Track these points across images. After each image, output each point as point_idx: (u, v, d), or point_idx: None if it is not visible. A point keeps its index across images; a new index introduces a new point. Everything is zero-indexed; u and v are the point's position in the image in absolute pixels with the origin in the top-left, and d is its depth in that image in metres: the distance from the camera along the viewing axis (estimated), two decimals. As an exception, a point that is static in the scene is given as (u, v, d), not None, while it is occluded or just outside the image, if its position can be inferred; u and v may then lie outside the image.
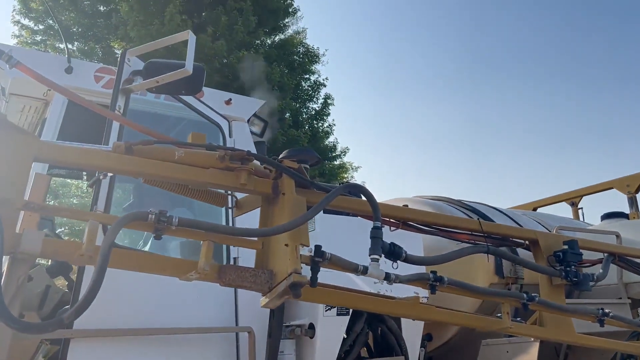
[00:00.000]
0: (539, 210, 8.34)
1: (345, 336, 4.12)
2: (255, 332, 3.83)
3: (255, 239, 2.69)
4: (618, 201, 7.79)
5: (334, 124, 21.11)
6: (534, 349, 4.32)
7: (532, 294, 3.46)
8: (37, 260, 3.33)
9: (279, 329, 3.88)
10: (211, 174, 2.65)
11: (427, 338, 5.50)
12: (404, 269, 3.07)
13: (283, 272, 2.58)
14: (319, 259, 2.71)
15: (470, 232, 3.70)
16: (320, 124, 20.90)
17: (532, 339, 4.35)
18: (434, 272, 3.10)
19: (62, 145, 2.40)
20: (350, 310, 4.11)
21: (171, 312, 3.37)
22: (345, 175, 22.24)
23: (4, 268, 2.08)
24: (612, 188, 7.75)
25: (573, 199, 8.32)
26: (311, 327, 3.99)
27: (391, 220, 3.45)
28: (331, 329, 4.01)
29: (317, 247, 2.73)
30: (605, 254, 4.41)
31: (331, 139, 21.39)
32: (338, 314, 4.05)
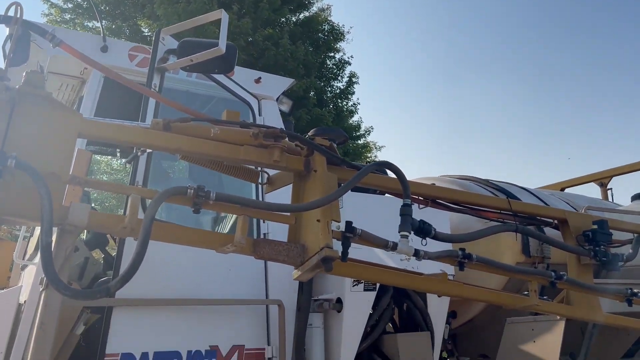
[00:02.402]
0: (566, 190, 8.24)
1: (371, 311, 4.21)
2: (285, 305, 3.93)
3: (289, 214, 2.75)
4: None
5: (359, 103, 20.99)
6: (560, 328, 4.34)
7: (561, 272, 3.47)
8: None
9: (308, 303, 3.98)
10: (245, 150, 2.71)
11: (451, 315, 5.55)
12: (430, 247, 3.12)
13: (315, 247, 2.66)
14: (350, 234, 2.77)
15: (499, 211, 3.72)
16: (344, 103, 20.80)
17: (558, 318, 4.36)
18: (462, 249, 3.13)
19: (103, 122, 2.48)
20: (377, 286, 4.18)
21: (205, 285, 3.49)
22: (369, 155, 22.19)
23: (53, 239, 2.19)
24: (643, 169, 7.60)
25: (602, 180, 8.19)
26: (339, 301, 4.08)
27: (420, 198, 3.49)
28: (358, 304, 4.09)
29: (348, 223, 2.80)
30: (636, 235, 4.38)
31: (355, 117, 21.30)
32: (365, 290, 4.13)
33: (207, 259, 3.58)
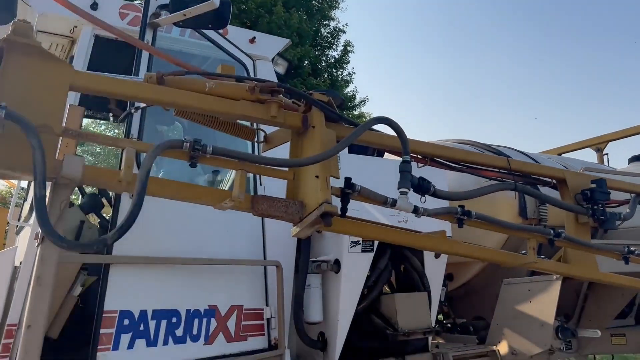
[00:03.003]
0: (563, 156, 8.24)
1: (369, 273, 4.21)
2: (283, 266, 3.93)
3: (287, 169, 2.71)
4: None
5: (354, 73, 20.79)
6: (556, 288, 4.37)
7: (559, 230, 3.47)
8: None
9: (306, 264, 3.98)
10: (242, 106, 2.66)
11: (448, 278, 5.61)
12: (429, 205, 3.10)
13: (314, 203, 2.63)
14: (349, 190, 2.74)
15: (497, 170, 3.69)
16: (339, 73, 20.60)
17: (554, 278, 4.40)
18: (462, 207, 3.11)
19: (95, 74, 2.41)
20: (375, 248, 4.18)
21: (203, 245, 3.47)
22: (364, 125, 22.03)
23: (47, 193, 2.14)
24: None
25: (598, 145, 8.18)
26: (336, 262, 4.08)
27: (419, 156, 3.45)
28: (356, 265, 4.09)
29: (347, 179, 2.76)
30: (633, 195, 4.38)
31: (350, 87, 21.15)
32: (363, 251, 4.13)
33: (206, 220, 3.55)
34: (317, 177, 2.64)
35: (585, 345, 5.61)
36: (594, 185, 3.80)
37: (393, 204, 2.85)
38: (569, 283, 5.38)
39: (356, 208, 3.99)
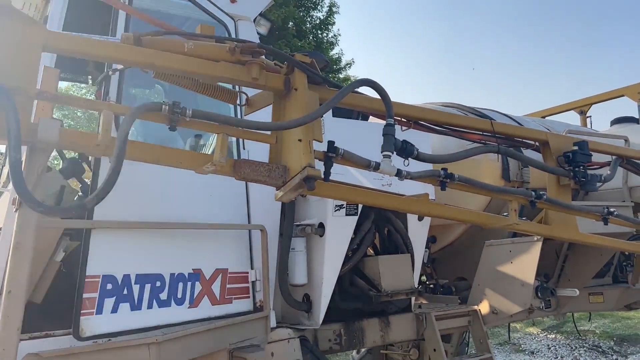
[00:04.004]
0: (547, 119, 8.28)
1: (353, 236, 4.25)
2: (267, 230, 3.94)
3: (269, 132, 2.68)
4: (628, 111, 7.71)
5: (339, 35, 20.48)
6: (536, 248, 4.46)
7: (540, 192, 3.51)
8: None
9: (291, 228, 3.99)
10: (222, 67, 2.60)
11: (431, 240, 5.68)
12: (413, 169, 3.10)
13: (297, 167, 2.61)
14: (332, 154, 2.73)
15: (481, 132, 3.69)
16: (324, 34, 20.28)
17: (535, 239, 4.48)
18: (444, 169, 3.12)
19: (70, 34, 2.32)
20: (359, 211, 4.20)
21: (187, 210, 3.44)
22: (350, 88, 21.85)
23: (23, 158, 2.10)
24: (623, 96, 7.63)
25: (582, 108, 8.22)
26: (321, 226, 4.10)
27: (403, 119, 3.43)
28: (340, 228, 4.11)
29: (330, 143, 2.74)
30: (614, 157, 4.43)
31: (336, 50, 20.85)
32: (347, 214, 4.15)
33: (191, 184, 3.52)
34: (299, 140, 2.62)
35: (563, 304, 5.78)
36: (576, 148, 3.84)
37: (376, 167, 2.84)
38: (549, 244, 5.48)
39: (341, 172, 4.01)
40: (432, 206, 3.24)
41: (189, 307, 3.27)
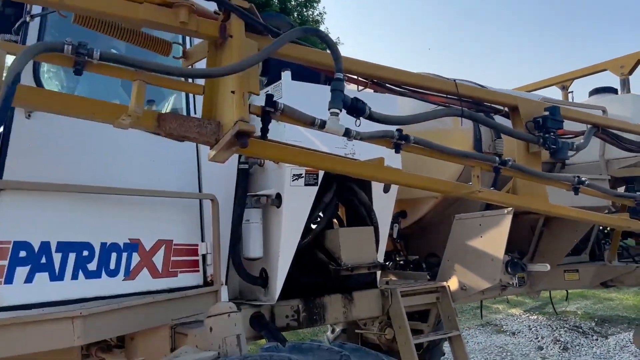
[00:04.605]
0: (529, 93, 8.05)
1: (314, 207, 4.01)
2: (221, 201, 3.69)
3: (191, 80, 2.41)
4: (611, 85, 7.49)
5: (325, 12, 20.09)
6: (506, 222, 4.24)
7: (506, 158, 3.29)
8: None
9: (243, 197, 3.74)
10: (145, 9, 2.31)
11: (401, 215, 5.46)
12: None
13: (230, 122, 2.35)
14: (270, 109, 2.47)
15: (445, 95, 3.45)
16: (309, 12, 19.87)
17: (505, 212, 4.26)
18: (399, 130, 2.88)
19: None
20: (319, 181, 3.96)
21: (125, 175, 3.17)
22: (336, 68, 21.53)
23: None
24: (605, 70, 7.40)
25: (564, 83, 7.99)
26: (278, 197, 3.86)
27: (359, 78, 3.18)
28: (298, 199, 3.87)
29: (269, 96, 2.49)
30: (589, 126, 4.22)
31: (321, 28, 20.45)
32: (306, 184, 3.90)
33: (135, 148, 3.26)
34: (232, 92, 2.35)
35: (537, 281, 5.61)
36: (546, 113, 3.61)
37: (322, 125, 2.60)
38: (524, 219, 5.30)
39: (300, 140, 3.75)
40: (387, 172, 3.00)
41: (124, 280, 3.02)
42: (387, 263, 5.95)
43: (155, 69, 2.15)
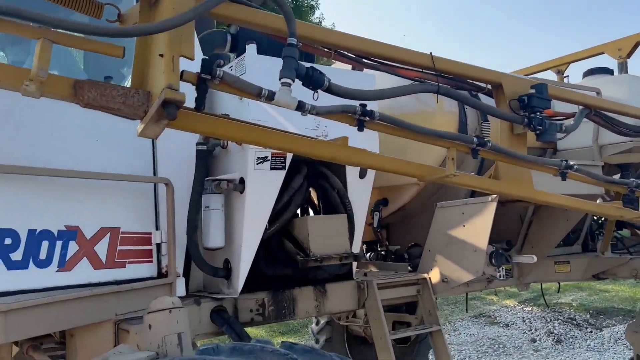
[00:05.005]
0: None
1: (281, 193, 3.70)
2: (181, 186, 3.38)
3: (106, 39, 2.08)
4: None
5: (319, -4, 19.72)
6: (490, 209, 3.94)
7: (485, 139, 2.97)
8: None
9: (200, 181, 3.43)
10: (61, -40, 1.99)
11: (382, 203, 5.16)
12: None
13: (158, 91, 2.04)
14: (207, 76, 2.15)
15: (420, 69, 3.12)
16: (304, -3, 19.49)
17: (490, 199, 3.95)
18: (363, 105, 2.56)
19: None
20: (286, 165, 3.65)
21: (62, 155, 2.86)
22: (331, 55, 21.20)
23: None
24: (603, 53, 7.04)
25: (559, 67, 7.64)
26: (242, 181, 3.55)
27: (322, 48, 2.85)
28: (263, 184, 3.57)
29: (205, 61, 2.17)
30: (580, 107, 3.90)
31: (317, 14, 20.09)
32: (272, 168, 3.59)
33: (78, 127, 2.95)
34: (161, 55, 2.04)
35: (526, 274, 5.33)
36: (532, 91, 3.29)
37: (270, 97, 2.28)
38: (512, 207, 5.00)
39: (265, 119, 3.43)
40: (352, 152, 2.68)
41: (57, 271, 2.72)
42: (369, 254, 5.67)
43: (60, 24, 1.83)
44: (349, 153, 2.66)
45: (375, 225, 5.03)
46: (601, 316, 12.12)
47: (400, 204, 5.02)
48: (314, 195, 4.36)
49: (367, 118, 2.52)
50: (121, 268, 3.11)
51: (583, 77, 5.61)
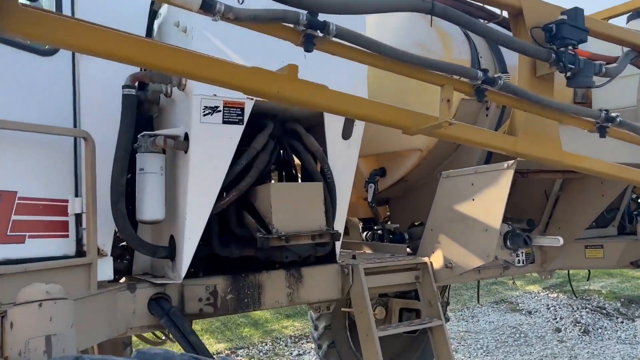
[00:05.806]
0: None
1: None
2: (104, 142, 2.67)
3: None
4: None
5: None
6: (506, 179, 3.11)
7: (496, 75, 2.14)
8: None
9: (127, 135, 2.68)
10: None
11: (380, 173, 4.37)
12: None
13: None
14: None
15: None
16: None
17: (505, 166, 3.12)
18: (311, 13, 1.75)
19: None
20: (245, 118, 2.89)
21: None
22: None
23: None
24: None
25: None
26: (187, 138, 2.82)
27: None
28: (214, 142, 2.83)
29: None
30: (626, 48, 3.02)
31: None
32: (225, 122, 2.84)
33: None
34: None
35: (550, 259, 4.51)
36: (564, 17, 2.43)
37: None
38: (535, 179, 4.17)
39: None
40: (296, 86, 1.88)
41: None
42: (365, 233, 4.89)
43: None
44: (296, 88, 1.85)
45: (369, 199, 4.25)
46: (633, 305, 11.23)
47: (400, 174, 4.22)
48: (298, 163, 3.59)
49: (318, 32, 1.71)
50: (18, 244, 2.42)
51: (627, 22, 4.66)
